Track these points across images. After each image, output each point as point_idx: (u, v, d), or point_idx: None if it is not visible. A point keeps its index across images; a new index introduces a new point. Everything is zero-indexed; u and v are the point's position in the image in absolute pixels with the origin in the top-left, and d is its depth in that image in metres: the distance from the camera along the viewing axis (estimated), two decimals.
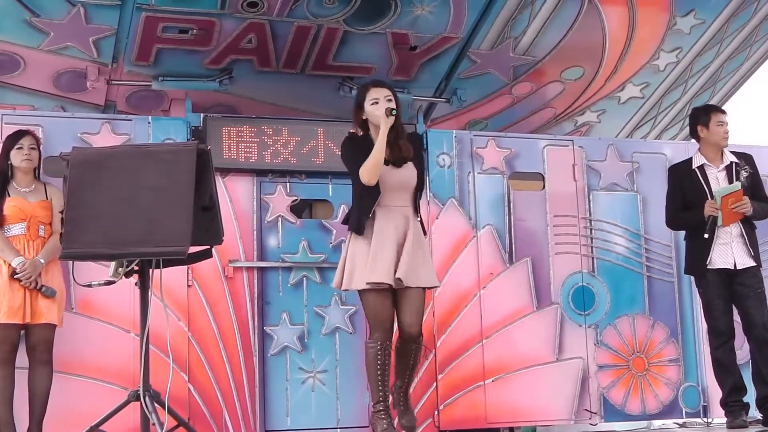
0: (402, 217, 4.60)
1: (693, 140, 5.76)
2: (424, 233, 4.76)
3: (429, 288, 4.71)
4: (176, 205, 3.79)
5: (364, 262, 4.53)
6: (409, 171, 4.66)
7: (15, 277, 4.91)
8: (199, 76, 6.19)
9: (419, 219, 4.69)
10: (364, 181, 4.53)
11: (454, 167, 6.28)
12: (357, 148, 4.61)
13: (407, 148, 4.67)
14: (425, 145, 6.15)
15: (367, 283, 4.50)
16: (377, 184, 4.56)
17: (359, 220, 4.59)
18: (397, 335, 4.65)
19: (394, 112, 4.52)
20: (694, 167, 5.44)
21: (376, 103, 4.61)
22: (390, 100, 4.63)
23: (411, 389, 4.84)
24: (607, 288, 6.44)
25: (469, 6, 5.95)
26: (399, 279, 4.49)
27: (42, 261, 4.99)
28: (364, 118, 4.68)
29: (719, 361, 5.31)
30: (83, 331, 5.46)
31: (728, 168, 5.39)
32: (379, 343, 4.54)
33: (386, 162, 4.59)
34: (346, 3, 5.73)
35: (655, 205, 6.40)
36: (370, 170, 4.51)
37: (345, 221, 4.80)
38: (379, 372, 4.54)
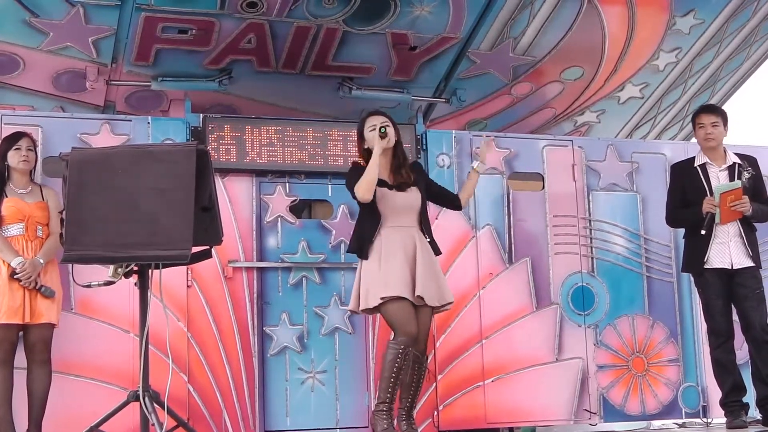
0: (409, 237, 4.74)
1: (693, 140, 5.77)
2: (438, 252, 4.89)
3: (446, 304, 4.83)
4: (177, 207, 3.79)
5: (377, 280, 4.63)
6: (413, 194, 4.83)
7: (15, 277, 4.91)
8: (198, 77, 6.19)
9: (428, 240, 4.82)
10: (358, 196, 4.71)
11: (454, 167, 6.28)
12: (358, 174, 4.73)
13: (408, 175, 4.85)
14: (425, 146, 6.23)
15: (381, 298, 4.59)
16: (377, 208, 4.73)
17: (362, 245, 4.75)
18: None
19: (383, 131, 4.70)
20: (695, 165, 5.45)
21: (374, 129, 4.78)
22: (387, 126, 4.79)
23: (415, 410, 4.86)
24: (606, 288, 6.44)
25: (468, 6, 5.95)
26: (420, 297, 4.61)
27: (41, 261, 4.99)
28: (365, 147, 4.84)
29: (718, 361, 5.31)
30: (83, 332, 5.46)
31: (730, 168, 5.38)
32: (402, 347, 4.58)
33: (389, 187, 4.77)
34: (346, 3, 5.73)
35: (655, 205, 6.40)
36: (364, 186, 4.67)
37: (350, 248, 4.94)
38: (393, 374, 4.59)
